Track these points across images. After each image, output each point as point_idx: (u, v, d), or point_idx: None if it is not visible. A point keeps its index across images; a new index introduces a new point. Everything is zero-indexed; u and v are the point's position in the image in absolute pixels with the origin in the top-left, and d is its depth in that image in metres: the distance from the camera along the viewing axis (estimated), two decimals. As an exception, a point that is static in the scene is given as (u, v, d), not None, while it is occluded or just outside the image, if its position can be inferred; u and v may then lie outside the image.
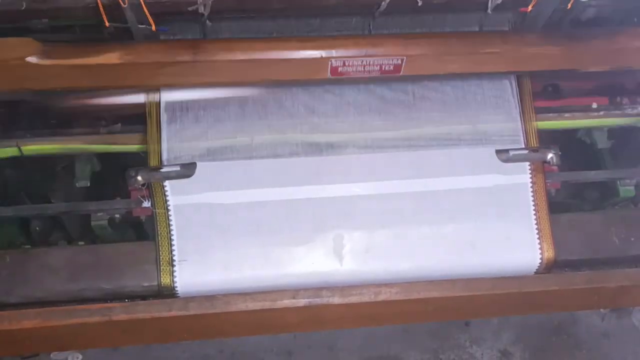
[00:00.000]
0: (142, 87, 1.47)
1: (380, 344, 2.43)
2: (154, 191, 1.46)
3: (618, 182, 1.62)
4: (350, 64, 1.36)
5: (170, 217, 1.45)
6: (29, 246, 1.63)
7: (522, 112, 1.55)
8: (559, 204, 1.65)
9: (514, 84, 1.56)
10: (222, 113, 1.50)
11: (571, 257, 1.53)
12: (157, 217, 1.45)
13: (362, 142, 1.51)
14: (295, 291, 1.40)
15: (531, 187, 1.52)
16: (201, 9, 1.28)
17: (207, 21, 1.33)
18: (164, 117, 1.47)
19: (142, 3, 1.23)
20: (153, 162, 1.46)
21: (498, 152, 1.52)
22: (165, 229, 1.45)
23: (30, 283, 1.43)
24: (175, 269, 1.44)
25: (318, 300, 1.40)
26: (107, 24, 1.26)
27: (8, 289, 1.43)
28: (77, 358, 2.31)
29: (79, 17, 1.31)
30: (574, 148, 1.70)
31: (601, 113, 1.63)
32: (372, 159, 1.51)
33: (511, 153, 1.52)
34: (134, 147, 1.49)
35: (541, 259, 1.50)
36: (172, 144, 1.47)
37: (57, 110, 1.55)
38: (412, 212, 1.50)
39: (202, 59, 1.33)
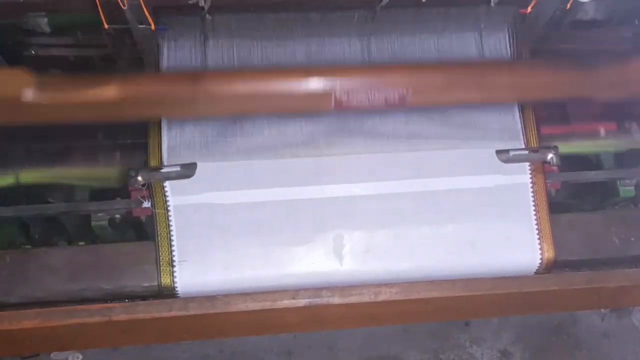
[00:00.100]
0: (141, 118, 1.43)
1: (380, 344, 2.43)
2: (154, 191, 1.46)
3: (618, 182, 1.61)
4: (355, 97, 1.33)
5: (170, 218, 1.45)
6: (29, 246, 1.63)
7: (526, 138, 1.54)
8: (559, 204, 1.65)
9: None
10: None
11: (571, 257, 1.53)
12: (157, 218, 1.45)
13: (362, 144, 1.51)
14: (295, 291, 1.40)
15: (531, 187, 1.52)
16: (201, 3, 1.27)
17: (207, 15, 1.32)
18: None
19: (142, 3, 1.23)
20: (153, 163, 1.46)
21: (498, 152, 1.52)
22: (165, 229, 1.45)
23: (31, 283, 1.43)
24: (175, 269, 1.44)
25: (318, 300, 1.40)
26: (106, 25, 1.26)
27: (8, 289, 1.43)
28: (77, 358, 2.31)
29: (78, 10, 1.28)
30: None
31: (609, 140, 1.61)
32: (372, 159, 1.51)
33: (511, 153, 1.52)
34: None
35: (541, 259, 1.50)
36: (172, 144, 1.47)
37: (55, 138, 1.52)
38: (412, 212, 1.50)
39: (203, 93, 1.29)
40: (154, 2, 1.24)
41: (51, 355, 2.32)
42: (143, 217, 1.50)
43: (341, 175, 1.50)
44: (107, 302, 1.42)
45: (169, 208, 1.45)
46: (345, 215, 1.48)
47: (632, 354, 2.47)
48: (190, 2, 1.26)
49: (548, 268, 1.51)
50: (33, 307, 1.41)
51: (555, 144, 1.53)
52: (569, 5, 1.34)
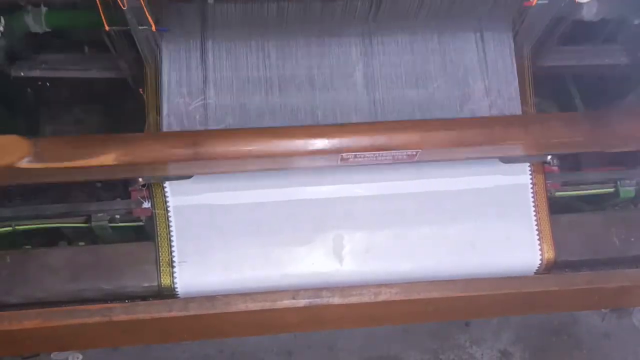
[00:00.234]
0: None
1: (380, 344, 2.43)
2: (153, 192, 1.46)
3: (618, 183, 1.61)
4: (361, 156, 1.32)
5: (170, 218, 1.45)
6: (29, 246, 1.63)
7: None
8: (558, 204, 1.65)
9: None
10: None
11: (571, 257, 1.53)
12: (157, 218, 1.45)
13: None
14: (295, 291, 1.40)
15: (531, 187, 1.52)
16: None
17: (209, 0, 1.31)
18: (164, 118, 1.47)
19: (143, 4, 1.23)
20: (153, 163, 1.46)
21: (498, 152, 1.52)
22: (165, 229, 1.45)
23: (31, 283, 1.43)
24: (175, 269, 1.44)
25: (318, 301, 1.40)
26: (106, 27, 1.26)
27: (8, 289, 1.43)
28: (78, 358, 2.31)
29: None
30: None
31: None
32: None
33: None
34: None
35: (541, 259, 1.50)
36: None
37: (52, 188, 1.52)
38: (412, 213, 1.50)
39: (203, 155, 1.26)
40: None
41: (51, 356, 2.32)
42: (143, 218, 1.50)
43: (341, 176, 1.50)
44: (107, 303, 1.42)
45: (168, 208, 1.45)
46: (346, 215, 1.48)
47: (632, 354, 2.47)
48: None
49: (548, 268, 1.51)
50: (33, 308, 1.41)
51: (564, 189, 1.55)
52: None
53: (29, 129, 1.83)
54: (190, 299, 1.40)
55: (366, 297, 1.41)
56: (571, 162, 1.69)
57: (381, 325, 2.23)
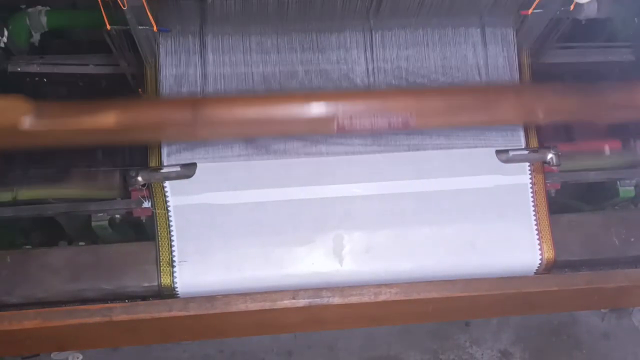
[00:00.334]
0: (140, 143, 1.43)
1: (380, 344, 2.43)
2: (154, 192, 1.46)
3: (618, 183, 1.61)
4: (357, 121, 1.32)
5: (170, 218, 1.45)
6: (29, 246, 1.63)
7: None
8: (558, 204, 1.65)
9: None
10: None
11: (571, 257, 1.53)
12: (157, 218, 1.45)
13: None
14: (295, 291, 1.40)
15: (531, 187, 1.52)
16: None
17: None
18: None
19: (144, 4, 1.23)
20: (153, 163, 1.46)
21: (498, 152, 1.52)
22: (165, 229, 1.45)
23: (31, 283, 1.43)
24: (175, 269, 1.44)
25: (318, 301, 1.40)
26: (108, 27, 1.26)
27: (9, 289, 1.43)
28: (78, 358, 2.31)
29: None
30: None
31: (613, 158, 1.60)
32: (372, 160, 1.51)
33: (511, 154, 1.52)
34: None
35: (541, 259, 1.50)
36: (171, 144, 1.47)
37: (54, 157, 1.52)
38: (413, 213, 1.50)
39: (202, 119, 1.27)
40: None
41: (51, 355, 2.32)
42: (143, 218, 1.50)
43: (341, 176, 1.50)
44: (107, 302, 1.43)
45: (169, 208, 1.45)
46: (346, 215, 1.48)
47: (632, 355, 2.47)
48: None
49: (548, 268, 1.51)
50: (33, 308, 1.41)
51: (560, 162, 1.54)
52: (572, 7, 1.34)
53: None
54: (190, 299, 1.40)
55: (366, 297, 1.41)
56: (564, 138, 1.67)
57: (381, 325, 2.23)
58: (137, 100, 1.29)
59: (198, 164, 1.46)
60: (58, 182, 1.50)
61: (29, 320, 1.36)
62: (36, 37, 1.55)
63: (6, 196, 1.48)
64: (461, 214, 1.50)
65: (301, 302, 1.40)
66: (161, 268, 1.44)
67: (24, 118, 1.18)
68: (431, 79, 1.52)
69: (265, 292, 1.40)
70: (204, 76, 1.46)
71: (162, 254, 1.44)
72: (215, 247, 1.45)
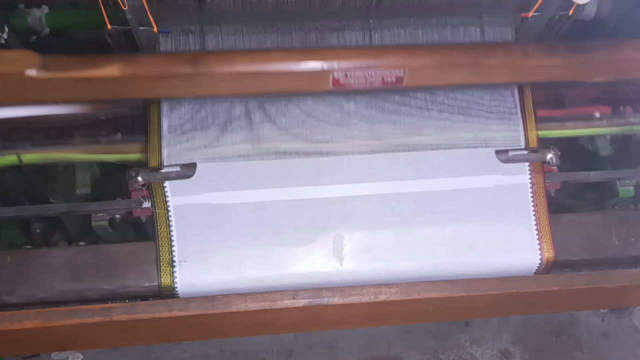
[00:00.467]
0: (142, 97, 1.46)
1: (380, 344, 2.43)
2: (154, 192, 1.46)
3: (618, 182, 1.62)
4: (352, 75, 1.34)
5: (170, 218, 1.45)
6: (29, 247, 1.63)
7: (523, 113, 1.54)
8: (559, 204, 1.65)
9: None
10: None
11: (571, 257, 1.54)
12: (157, 218, 1.45)
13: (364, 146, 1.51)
14: (295, 291, 1.41)
15: (531, 187, 1.52)
16: None
17: None
18: (164, 117, 1.48)
19: (145, 4, 1.23)
20: (153, 163, 1.47)
21: (498, 152, 1.53)
22: (165, 229, 1.45)
23: (31, 283, 1.44)
24: (175, 269, 1.44)
25: (318, 301, 1.40)
26: (109, 27, 1.26)
27: (9, 289, 1.43)
28: (78, 358, 2.31)
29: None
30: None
31: (604, 122, 1.62)
32: (372, 160, 1.51)
33: (511, 154, 1.52)
34: (134, 156, 1.49)
35: (541, 259, 1.50)
36: (172, 144, 1.47)
37: (57, 119, 1.54)
38: (412, 213, 1.50)
39: (202, 71, 1.31)
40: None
41: (52, 355, 2.32)
42: (143, 218, 1.51)
43: (341, 176, 1.50)
44: (107, 302, 1.43)
45: (169, 208, 1.46)
46: (346, 215, 1.49)
47: (632, 355, 2.47)
48: None
49: (548, 268, 1.51)
50: (34, 307, 1.41)
51: (550, 125, 1.57)
52: (571, 12, 1.35)
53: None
54: (191, 299, 1.40)
55: (366, 297, 1.41)
56: (554, 104, 1.68)
57: (381, 325, 2.23)
58: (141, 54, 1.34)
59: (198, 164, 1.46)
60: (61, 143, 1.50)
61: (29, 320, 1.36)
62: (42, 32, 1.54)
63: (10, 159, 1.48)
64: (461, 214, 1.50)
65: (301, 302, 1.40)
66: (161, 268, 1.44)
67: (31, 68, 1.24)
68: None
69: (265, 292, 1.40)
70: None
71: (162, 254, 1.45)
72: (216, 247, 1.45)
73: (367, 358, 2.41)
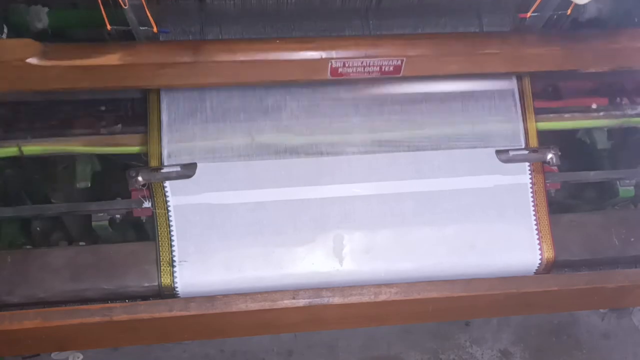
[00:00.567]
0: (142, 87, 1.47)
1: (380, 344, 2.43)
2: (154, 191, 1.46)
3: (618, 182, 1.62)
4: (350, 64, 1.35)
5: (170, 218, 1.45)
6: (30, 247, 1.63)
7: (523, 112, 1.55)
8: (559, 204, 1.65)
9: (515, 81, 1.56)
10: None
11: (571, 257, 1.54)
12: (157, 218, 1.45)
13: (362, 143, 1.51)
14: (295, 291, 1.41)
15: (531, 187, 1.52)
16: None
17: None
18: (164, 116, 1.48)
19: (144, 4, 1.23)
20: (153, 163, 1.47)
21: (498, 152, 1.53)
22: (165, 229, 1.45)
23: (31, 283, 1.44)
24: (175, 269, 1.44)
25: (318, 301, 1.41)
26: (109, 27, 1.26)
27: (9, 289, 1.43)
28: (78, 358, 2.31)
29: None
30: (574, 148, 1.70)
31: (601, 114, 1.63)
32: (372, 160, 1.51)
33: (511, 153, 1.53)
34: (134, 149, 1.50)
35: (541, 259, 1.50)
36: (172, 144, 1.47)
37: (58, 110, 1.55)
38: (412, 213, 1.50)
39: (202, 60, 1.32)
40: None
41: (52, 355, 2.32)
42: (143, 218, 1.51)
43: (341, 176, 1.50)
44: (107, 302, 1.43)
45: (169, 208, 1.46)
46: (346, 215, 1.49)
47: (632, 355, 2.47)
48: None
49: (548, 268, 1.51)
50: (34, 307, 1.41)
51: (548, 117, 1.58)
52: (569, 11, 1.35)
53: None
54: (191, 299, 1.40)
55: (366, 297, 1.41)
56: (552, 95, 1.69)
57: (381, 325, 2.23)
58: (140, 43, 1.34)
59: (198, 164, 1.46)
60: (62, 135, 1.50)
61: (30, 320, 1.36)
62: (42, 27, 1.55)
63: (11, 150, 1.48)
64: (461, 214, 1.50)
65: (301, 302, 1.40)
66: (161, 268, 1.44)
67: (32, 57, 1.25)
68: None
69: (265, 292, 1.40)
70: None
71: (163, 253, 1.45)
72: (216, 247, 1.45)
73: (367, 358, 2.41)
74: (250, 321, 1.46)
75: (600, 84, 1.68)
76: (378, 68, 1.37)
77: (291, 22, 1.46)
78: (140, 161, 1.50)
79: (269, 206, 1.47)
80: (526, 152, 1.53)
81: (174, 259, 1.44)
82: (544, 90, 1.65)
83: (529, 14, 1.38)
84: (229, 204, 1.47)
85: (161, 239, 1.45)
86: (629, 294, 1.54)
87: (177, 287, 1.44)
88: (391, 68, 1.37)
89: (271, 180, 1.48)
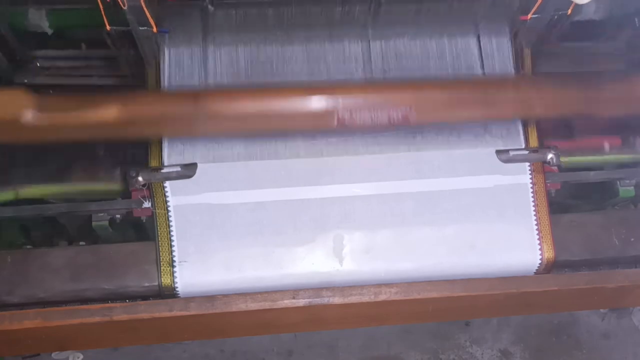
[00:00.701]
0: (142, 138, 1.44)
1: (380, 344, 2.43)
2: (154, 192, 1.46)
3: (618, 182, 1.62)
4: (357, 115, 1.32)
5: (170, 218, 1.45)
6: (30, 246, 1.63)
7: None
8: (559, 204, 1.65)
9: None
10: None
11: (571, 257, 1.54)
12: (157, 218, 1.45)
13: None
14: (295, 291, 1.40)
15: (531, 187, 1.52)
16: None
17: (209, 5, 1.32)
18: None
19: (143, 4, 1.23)
20: (154, 163, 1.47)
21: (498, 152, 1.52)
22: (165, 229, 1.45)
23: (32, 283, 1.44)
24: (175, 269, 1.44)
25: (318, 300, 1.40)
26: (108, 27, 1.26)
27: (9, 289, 1.43)
28: (78, 358, 2.31)
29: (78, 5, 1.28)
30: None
31: (613, 154, 1.60)
32: (372, 160, 1.51)
33: (511, 153, 1.52)
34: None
35: (541, 259, 1.50)
36: (172, 144, 1.47)
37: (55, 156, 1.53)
38: (413, 213, 1.50)
39: (203, 112, 1.27)
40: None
41: (52, 355, 2.32)
42: (143, 218, 1.51)
43: (341, 176, 1.50)
44: (107, 302, 1.43)
45: (169, 208, 1.46)
46: (346, 215, 1.49)
47: (632, 355, 2.47)
48: None
49: (548, 268, 1.51)
50: (34, 307, 1.41)
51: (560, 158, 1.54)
52: (569, 11, 1.34)
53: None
54: (191, 299, 1.40)
55: (366, 297, 1.41)
56: (564, 134, 1.67)
57: (381, 325, 2.23)
58: (138, 94, 1.28)
59: (198, 164, 1.46)
60: (59, 180, 1.50)
61: (30, 320, 1.36)
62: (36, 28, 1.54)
63: (8, 195, 1.48)
64: (461, 214, 1.50)
65: (301, 302, 1.40)
66: (161, 268, 1.44)
67: (26, 111, 1.18)
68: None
69: (265, 292, 1.40)
70: (206, 83, 1.46)
71: (163, 254, 1.44)
72: (216, 247, 1.45)
73: (367, 358, 2.41)
74: (250, 321, 1.46)
75: (613, 121, 1.62)
76: (386, 118, 1.34)
77: (292, 29, 1.46)
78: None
79: (269, 206, 1.47)
80: (526, 152, 1.53)
81: (174, 259, 1.44)
82: (554, 128, 1.61)
83: (529, 16, 1.37)
84: (229, 204, 1.47)
85: (161, 239, 1.45)
86: (629, 294, 1.54)
87: (177, 287, 1.44)
88: (400, 118, 1.34)
89: (271, 180, 1.48)
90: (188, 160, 1.47)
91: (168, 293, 1.45)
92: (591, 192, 1.74)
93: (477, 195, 1.51)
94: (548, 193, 1.54)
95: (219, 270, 1.44)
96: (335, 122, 1.33)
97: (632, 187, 1.61)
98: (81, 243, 1.60)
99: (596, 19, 1.52)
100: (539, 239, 1.51)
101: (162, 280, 1.44)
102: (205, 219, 1.46)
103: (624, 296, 1.56)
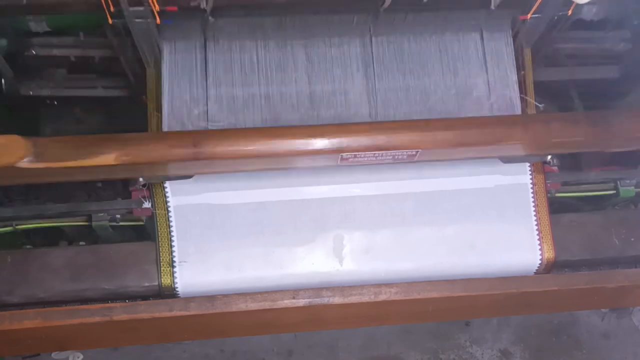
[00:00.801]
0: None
1: (380, 344, 2.43)
2: (154, 192, 1.46)
3: (618, 182, 1.62)
4: (361, 156, 1.32)
5: (170, 218, 1.45)
6: (30, 246, 1.63)
7: None
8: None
9: None
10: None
11: (571, 257, 1.54)
12: (158, 218, 1.45)
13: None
14: (295, 291, 1.40)
15: (531, 187, 1.52)
16: (203, 4, 1.28)
17: (210, 17, 1.33)
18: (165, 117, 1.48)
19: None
20: (154, 163, 1.46)
21: (498, 152, 1.52)
22: (165, 229, 1.45)
23: (32, 283, 1.44)
24: (175, 269, 1.44)
25: (318, 300, 1.40)
26: (110, 20, 1.26)
27: (9, 289, 1.43)
28: (78, 358, 2.31)
29: (80, 9, 1.29)
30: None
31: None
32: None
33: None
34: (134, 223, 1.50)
35: (541, 259, 1.50)
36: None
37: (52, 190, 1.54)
38: (413, 213, 1.50)
39: (203, 154, 1.26)
40: (158, 3, 1.25)
41: (52, 355, 2.32)
42: (143, 218, 1.51)
43: (341, 176, 1.50)
44: (107, 302, 1.43)
45: (169, 208, 1.46)
46: (346, 215, 1.49)
47: (632, 355, 2.47)
48: (192, 3, 1.27)
49: (548, 268, 1.51)
50: (34, 307, 1.41)
51: (565, 190, 1.56)
52: (570, 12, 1.35)
53: (28, 128, 1.83)
54: (191, 299, 1.40)
55: (366, 297, 1.41)
56: (571, 163, 1.68)
57: (381, 325, 2.23)
58: (137, 137, 1.27)
59: (198, 164, 1.46)
60: (57, 216, 1.50)
61: (30, 320, 1.36)
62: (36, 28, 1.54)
63: (5, 230, 1.49)
64: (461, 214, 1.50)
65: (301, 302, 1.40)
66: (161, 268, 1.44)
67: (22, 157, 1.18)
68: (432, 94, 1.52)
69: (265, 292, 1.40)
70: (206, 87, 1.46)
71: (163, 254, 1.45)
72: (216, 247, 1.45)
73: (367, 358, 2.41)
74: (250, 321, 1.46)
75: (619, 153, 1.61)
76: (391, 157, 1.34)
77: (291, 36, 1.46)
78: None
79: (268, 206, 1.47)
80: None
81: (174, 259, 1.44)
82: (561, 157, 1.59)
83: (529, 16, 1.38)
84: (228, 204, 1.47)
85: (161, 239, 1.45)
86: (629, 294, 1.54)
87: (177, 287, 1.44)
88: (405, 157, 1.33)
89: (271, 180, 1.48)
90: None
91: (168, 293, 1.45)
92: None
93: (477, 195, 1.51)
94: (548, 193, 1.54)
95: (219, 270, 1.44)
96: (339, 162, 1.33)
97: (632, 187, 1.61)
98: (81, 243, 1.60)
99: (596, 19, 1.52)
100: (539, 239, 1.51)
101: (162, 280, 1.44)
102: (205, 219, 1.46)
103: (624, 296, 1.56)
